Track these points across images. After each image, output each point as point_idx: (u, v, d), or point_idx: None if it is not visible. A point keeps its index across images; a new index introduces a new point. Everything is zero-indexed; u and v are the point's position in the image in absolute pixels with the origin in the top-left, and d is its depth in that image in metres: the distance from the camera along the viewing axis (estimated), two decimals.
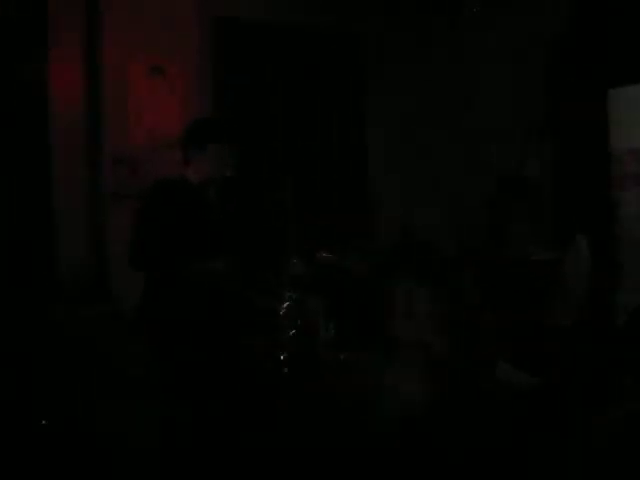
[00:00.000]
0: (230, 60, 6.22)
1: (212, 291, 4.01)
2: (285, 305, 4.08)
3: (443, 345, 2.95)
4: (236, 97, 6.11)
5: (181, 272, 3.86)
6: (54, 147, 5.26)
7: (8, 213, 5.12)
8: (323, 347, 3.95)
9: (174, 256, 3.85)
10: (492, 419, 2.67)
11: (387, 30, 6.43)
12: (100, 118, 5.40)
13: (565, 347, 3.74)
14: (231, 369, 3.82)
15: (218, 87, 6.15)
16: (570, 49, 6.00)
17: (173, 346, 3.82)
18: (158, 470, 3.65)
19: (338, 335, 4.05)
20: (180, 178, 4.06)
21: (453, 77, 6.26)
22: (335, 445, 2.81)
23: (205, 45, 5.95)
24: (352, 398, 2.96)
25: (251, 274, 4.20)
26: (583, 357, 3.35)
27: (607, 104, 5.69)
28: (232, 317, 4.09)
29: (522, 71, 5.97)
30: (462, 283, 3.33)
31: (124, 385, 4.34)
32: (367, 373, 3.06)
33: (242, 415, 3.52)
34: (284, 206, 5.44)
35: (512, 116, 6.03)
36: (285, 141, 6.24)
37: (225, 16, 6.13)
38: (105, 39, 5.30)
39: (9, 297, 4.94)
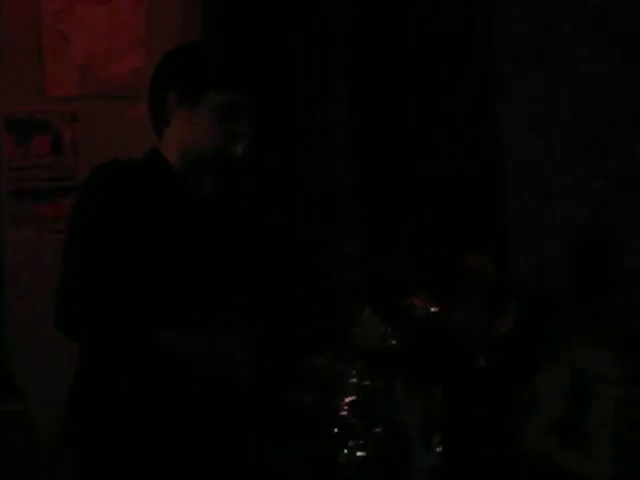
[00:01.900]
0: None
1: (215, 387, 2.70)
2: (349, 401, 3.03)
3: None
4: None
5: (156, 344, 2.61)
6: None
7: None
8: None
9: (141, 313, 2.62)
10: None
11: None
12: None
13: None
14: None
15: None
16: None
17: None
18: None
19: (447, 461, 3.09)
20: (147, 160, 2.81)
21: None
22: None
23: None
24: None
25: (288, 345, 3.30)
26: None
27: None
28: (255, 438, 2.90)
29: None
30: None
31: None
32: None
33: None
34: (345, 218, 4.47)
35: None
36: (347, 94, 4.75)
37: None
38: None
39: None
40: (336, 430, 2.99)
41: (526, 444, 3.45)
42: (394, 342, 3.11)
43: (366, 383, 3.00)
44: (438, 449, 3.08)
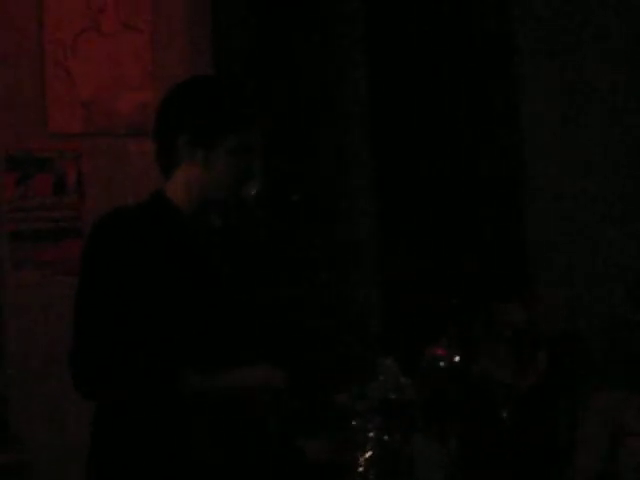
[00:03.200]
0: None
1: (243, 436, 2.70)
2: (366, 457, 2.89)
3: None
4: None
5: (182, 396, 2.57)
6: None
7: None
8: None
9: (163, 365, 2.57)
10: None
11: None
12: None
13: None
14: None
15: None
16: None
17: None
18: None
19: None
20: (151, 204, 2.72)
21: None
22: None
23: None
24: None
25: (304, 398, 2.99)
26: None
27: None
28: None
29: None
30: None
31: None
32: None
33: None
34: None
35: None
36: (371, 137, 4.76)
37: None
38: None
39: None
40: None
41: None
42: (414, 394, 2.99)
43: (385, 437, 2.88)
44: None
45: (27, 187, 4.26)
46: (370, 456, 2.87)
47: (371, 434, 2.88)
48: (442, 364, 3.11)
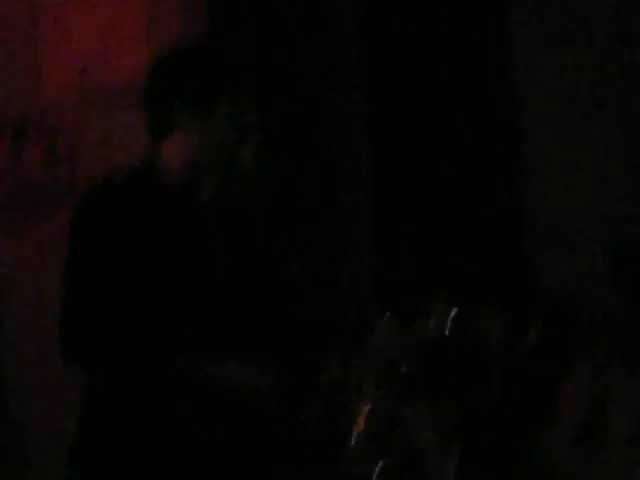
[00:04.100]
0: None
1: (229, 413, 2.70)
2: (360, 420, 2.87)
3: None
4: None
5: (168, 373, 2.60)
6: None
7: None
8: None
9: (150, 335, 2.59)
10: None
11: None
12: None
13: None
14: None
15: None
16: None
17: None
18: None
19: None
20: (145, 170, 2.71)
21: None
22: None
23: None
24: None
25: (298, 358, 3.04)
26: None
27: None
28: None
29: None
30: None
31: None
32: None
33: None
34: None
35: None
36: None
37: None
38: None
39: None
40: (350, 452, 2.88)
41: (548, 459, 3.40)
42: (410, 356, 3.03)
43: (380, 399, 2.87)
44: (454, 472, 2.98)
45: (19, 154, 4.26)
46: (365, 419, 2.86)
47: (366, 396, 2.88)
48: (436, 325, 3.10)
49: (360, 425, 2.90)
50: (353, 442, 2.88)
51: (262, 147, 2.92)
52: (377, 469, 2.94)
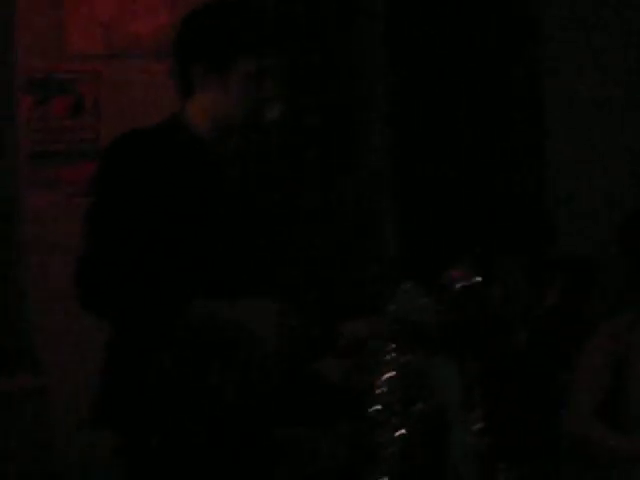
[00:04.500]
0: None
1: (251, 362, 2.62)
2: (387, 377, 2.82)
3: None
4: None
5: (190, 319, 2.52)
6: None
7: None
8: None
9: (173, 288, 2.52)
10: None
11: None
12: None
13: None
14: None
15: None
16: None
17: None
18: None
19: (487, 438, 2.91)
20: (172, 125, 2.67)
21: None
22: None
23: None
24: None
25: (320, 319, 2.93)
26: None
27: None
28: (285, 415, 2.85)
29: None
30: None
31: None
32: None
33: None
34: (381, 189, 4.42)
35: None
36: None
37: None
38: None
39: None
40: (373, 408, 2.86)
41: (567, 425, 3.39)
42: (434, 316, 3.00)
43: (405, 359, 2.85)
44: (478, 426, 2.99)
45: (46, 109, 4.28)
46: (388, 378, 2.84)
47: (389, 357, 2.86)
48: (461, 286, 3.06)
49: (385, 377, 2.87)
50: (378, 391, 2.86)
51: (288, 105, 2.89)
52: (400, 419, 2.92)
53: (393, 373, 2.86)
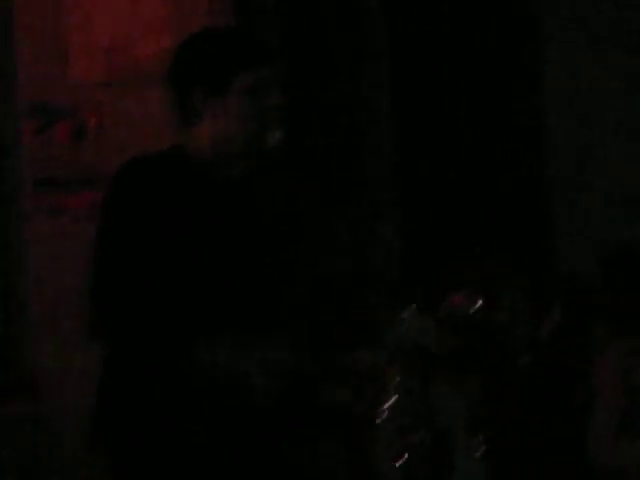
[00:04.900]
0: None
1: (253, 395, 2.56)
2: (389, 405, 2.87)
3: None
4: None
5: (193, 355, 2.51)
6: None
7: None
8: None
9: (179, 318, 2.51)
10: None
11: None
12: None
13: None
14: None
15: None
16: None
17: None
18: None
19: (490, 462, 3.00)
20: (174, 154, 2.65)
21: None
22: None
23: None
24: None
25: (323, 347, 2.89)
26: None
27: None
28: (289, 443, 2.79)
29: None
30: None
31: None
32: None
33: None
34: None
35: None
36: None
37: None
38: None
39: None
40: (377, 432, 2.92)
41: (590, 445, 3.37)
42: (436, 342, 3.00)
43: (408, 383, 2.90)
44: (481, 450, 3.01)
45: (48, 135, 4.25)
46: (392, 403, 2.86)
47: (393, 381, 2.87)
48: (462, 312, 3.10)
49: (389, 404, 2.88)
50: (381, 416, 2.89)
51: (291, 127, 2.87)
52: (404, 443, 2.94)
53: (395, 399, 2.86)
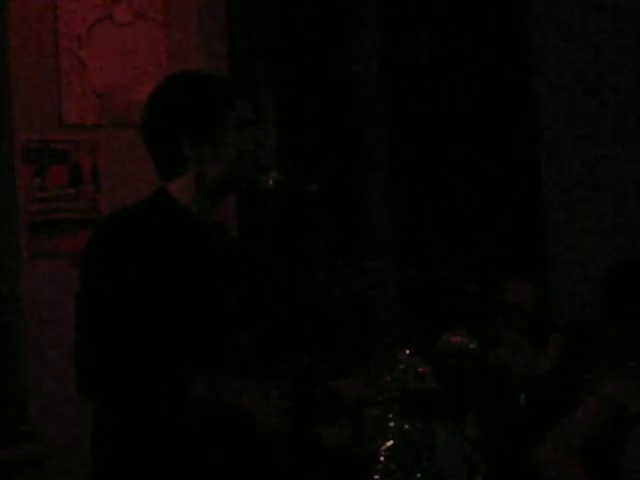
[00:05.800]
0: None
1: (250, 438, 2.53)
2: (388, 445, 2.75)
3: None
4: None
5: (185, 399, 2.43)
6: None
7: None
8: None
9: (170, 369, 2.44)
10: None
11: None
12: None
13: None
14: None
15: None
16: None
17: None
18: None
19: None
20: (156, 203, 2.56)
21: None
22: None
23: None
24: None
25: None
26: None
27: None
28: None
29: None
30: None
31: None
32: None
33: None
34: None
35: None
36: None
37: None
38: None
39: None
40: (376, 477, 2.79)
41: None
42: (434, 383, 2.93)
43: (405, 426, 2.81)
44: None
45: (43, 179, 4.20)
46: (391, 445, 2.79)
47: (391, 424, 2.82)
48: (459, 351, 3.06)
49: (386, 447, 2.82)
50: (380, 458, 2.82)
51: (284, 165, 2.84)
52: None
53: (394, 440, 2.79)
